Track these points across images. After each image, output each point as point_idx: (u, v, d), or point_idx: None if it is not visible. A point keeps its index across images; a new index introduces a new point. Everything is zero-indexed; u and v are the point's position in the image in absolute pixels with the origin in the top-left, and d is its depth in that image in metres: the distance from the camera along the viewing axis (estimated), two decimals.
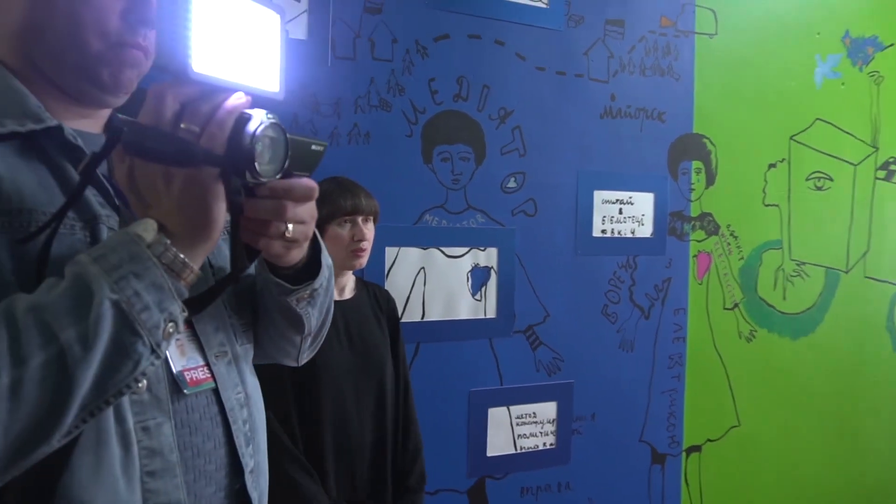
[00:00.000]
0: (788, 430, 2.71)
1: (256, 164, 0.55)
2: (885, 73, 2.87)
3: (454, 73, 1.97)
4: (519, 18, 2.05)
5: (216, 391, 0.72)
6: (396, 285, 1.91)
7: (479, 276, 2.07)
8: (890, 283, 2.97)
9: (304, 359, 0.88)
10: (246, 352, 0.80)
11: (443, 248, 2.00)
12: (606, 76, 2.22)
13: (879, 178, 2.90)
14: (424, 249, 1.97)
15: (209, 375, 0.71)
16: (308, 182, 0.62)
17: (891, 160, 2.92)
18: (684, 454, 2.46)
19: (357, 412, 1.48)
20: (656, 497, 2.41)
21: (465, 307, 2.04)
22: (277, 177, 0.59)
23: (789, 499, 2.74)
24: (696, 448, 2.48)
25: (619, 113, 2.25)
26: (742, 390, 2.57)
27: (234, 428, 0.72)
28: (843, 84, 2.76)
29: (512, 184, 2.08)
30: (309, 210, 0.65)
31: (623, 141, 2.28)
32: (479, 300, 2.07)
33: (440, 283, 2.00)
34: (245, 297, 0.82)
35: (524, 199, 2.11)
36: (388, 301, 1.60)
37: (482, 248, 2.06)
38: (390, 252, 1.92)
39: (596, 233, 2.25)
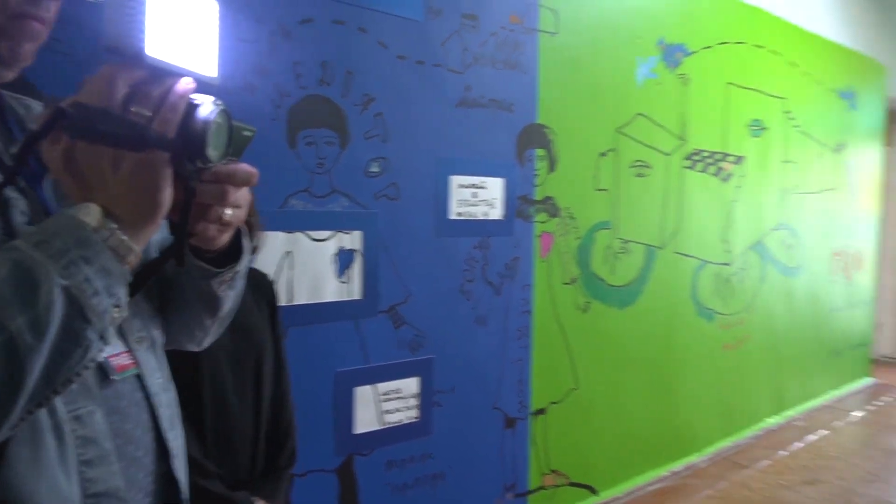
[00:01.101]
0: (617, 388, 3.07)
1: (208, 148, 0.57)
2: (691, 76, 3.31)
3: (319, 58, 1.98)
4: (381, 7, 2.10)
5: (139, 377, 0.71)
6: (262, 270, 1.89)
7: (344, 259, 2.10)
8: (694, 257, 3.44)
9: (207, 343, 0.89)
10: (160, 336, 0.79)
11: (308, 232, 2.01)
12: (462, 67, 2.34)
13: (686, 167, 3.34)
14: (290, 233, 1.97)
15: (133, 361, 0.71)
16: (249, 167, 0.64)
17: (694, 152, 3.37)
18: (532, 417, 2.69)
19: (236, 396, 1.47)
20: (508, 459, 2.62)
21: (331, 290, 2.07)
22: (222, 162, 0.60)
23: (619, 448, 3.11)
24: (542, 411, 2.73)
25: (473, 103, 2.39)
26: (579, 356, 2.86)
27: (158, 412, 0.72)
28: (658, 84, 3.14)
29: (375, 168, 2.14)
30: (245, 194, 0.67)
31: (476, 129, 2.42)
32: (345, 282, 2.10)
33: (306, 267, 2.01)
34: (153, 283, 0.81)
35: (387, 183, 2.17)
36: (267, 284, 1.60)
37: (347, 232, 2.09)
38: None
39: (452, 216, 2.38)
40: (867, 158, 5.09)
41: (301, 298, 2.00)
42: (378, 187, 2.15)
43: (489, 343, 2.53)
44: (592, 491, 2.97)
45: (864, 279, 5.20)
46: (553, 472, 2.79)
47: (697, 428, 3.58)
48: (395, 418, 2.26)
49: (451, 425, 2.42)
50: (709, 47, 3.42)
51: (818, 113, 4.40)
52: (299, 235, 1.99)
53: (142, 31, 0.52)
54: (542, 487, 2.75)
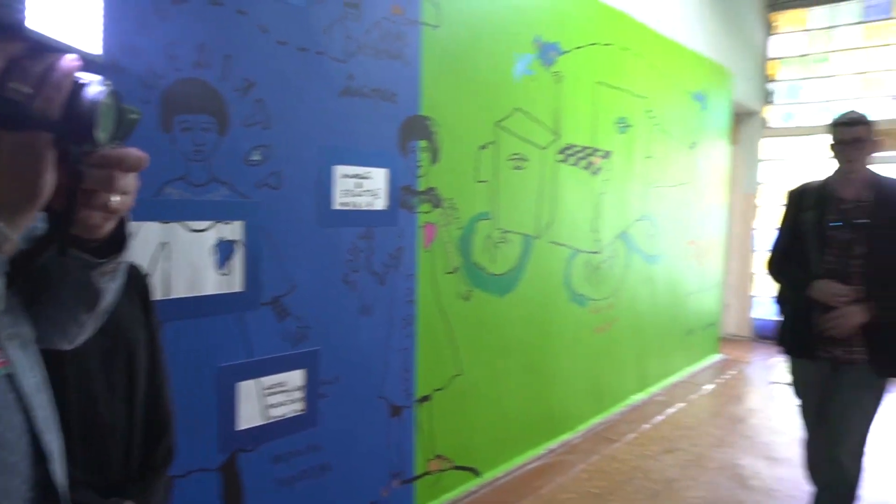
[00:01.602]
0: (498, 373, 3.19)
1: (97, 130, 0.54)
2: (564, 74, 3.48)
3: (195, 40, 1.89)
4: None
5: (11, 376, 0.66)
6: (134, 262, 1.78)
7: (224, 250, 2.03)
8: (567, 246, 3.64)
9: (81, 340, 0.84)
10: (31, 333, 0.74)
11: (186, 222, 1.92)
12: (345, 56, 2.33)
13: (559, 161, 3.51)
14: (166, 224, 1.87)
15: (4, 360, 0.66)
16: (139, 151, 0.62)
17: (567, 146, 3.56)
18: (417, 405, 2.74)
19: (107, 394, 1.38)
20: (394, 446, 2.65)
21: (211, 282, 2.00)
22: (110, 146, 0.58)
23: (500, 430, 3.24)
24: (427, 398, 2.78)
25: (357, 92, 2.38)
26: (462, 343, 2.94)
27: (33, 414, 0.68)
28: (534, 80, 3.28)
29: (256, 156, 2.08)
30: (133, 181, 0.64)
31: (360, 119, 2.41)
32: (226, 274, 2.03)
33: (184, 259, 1.92)
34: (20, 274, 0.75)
35: (268, 172, 2.12)
36: (140, 277, 1.51)
37: (227, 222, 2.02)
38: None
39: (336, 206, 2.36)
40: (716, 155, 5.59)
41: (179, 291, 1.91)
42: (259, 176, 2.10)
43: (374, 333, 2.54)
44: (475, 473, 3.08)
45: (714, 265, 5.73)
46: (438, 457, 2.86)
47: (571, 407, 3.80)
48: (280, 412, 2.22)
49: (337, 416, 2.41)
50: (580, 47, 3.61)
51: (675, 113, 4.78)
52: (176, 226, 1.90)
53: (22, 1, 0.49)
54: (427, 473, 2.81)
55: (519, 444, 3.39)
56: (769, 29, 6.74)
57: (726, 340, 6.33)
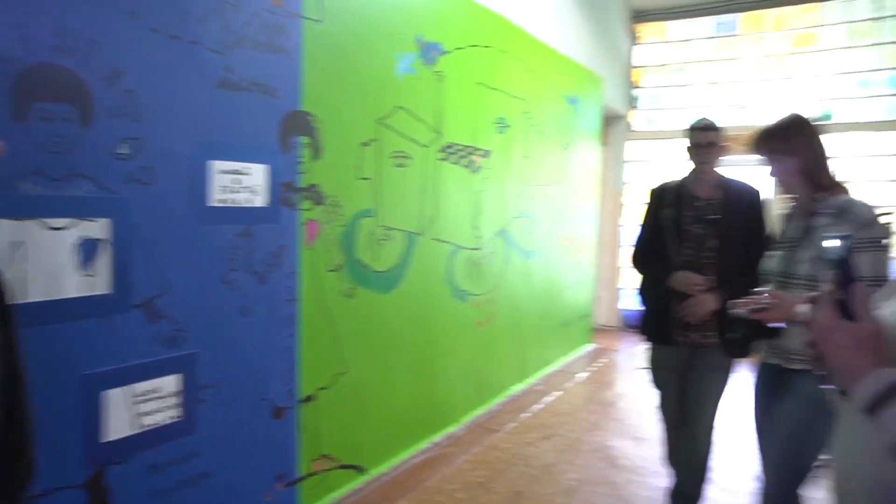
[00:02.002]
0: (383, 369, 3.21)
1: None
2: (445, 74, 3.55)
3: (52, 22, 1.74)
4: None
5: None
6: None
7: (88, 250, 1.90)
8: (449, 243, 3.71)
9: None
10: None
11: (44, 220, 1.77)
12: (222, 47, 2.24)
13: (440, 159, 3.58)
14: (20, 221, 1.72)
15: None
16: None
17: (448, 145, 3.63)
18: (300, 405, 2.70)
19: None
20: (278, 449, 2.59)
21: (74, 284, 1.86)
22: None
23: (386, 426, 3.25)
24: (311, 398, 2.75)
25: (235, 85, 2.30)
26: (347, 340, 2.93)
27: None
28: (416, 79, 3.32)
29: (125, 150, 1.96)
30: None
31: (238, 113, 2.33)
32: (91, 276, 1.90)
33: (42, 260, 1.77)
34: None
35: (138, 166, 2.00)
36: None
37: (92, 219, 1.89)
38: None
39: (213, 202, 2.27)
40: (588, 156, 5.92)
41: (37, 295, 1.76)
42: (128, 171, 1.98)
43: (256, 333, 2.47)
44: (361, 470, 3.07)
45: (586, 259, 6.07)
46: (323, 456, 2.83)
47: (455, 400, 3.89)
48: (154, 420, 2.11)
49: (217, 421, 2.32)
50: (461, 48, 3.70)
51: (550, 115, 5.01)
52: (31, 223, 1.75)
53: None
54: (312, 473, 2.77)
55: (405, 438, 3.42)
56: (634, 39, 7.22)
57: (598, 330, 6.72)
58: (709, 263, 2.52)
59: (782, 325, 1.93)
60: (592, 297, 6.30)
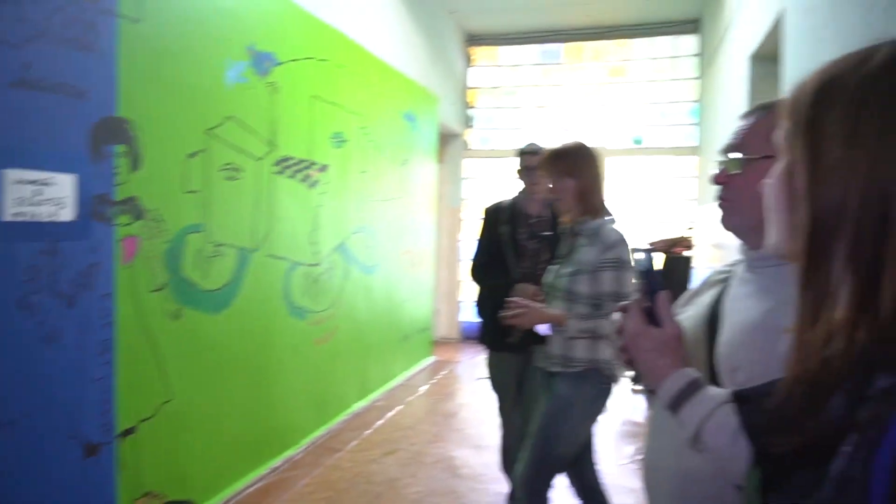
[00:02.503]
0: (216, 394, 3.01)
1: None
2: (280, 85, 3.44)
3: None
4: None
5: None
6: None
7: None
8: (285, 259, 3.59)
9: None
10: None
11: None
12: (19, 41, 1.99)
13: (275, 173, 3.46)
14: None
15: None
16: None
17: (283, 158, 3.52)
18: (119, 439, 2.45)
19: None
20: (91, 491, 2.33)
21: None
22: None
23: (220, 455, 3.05)
24: (131, 430, 2.50)
25: (35, 85, 2.05)
26: (173, 366, 2.71)
27: None
28: (249, 88, 3.18)
29: None
30: None
31: (40, 115, 2.09)
32: None
33: None
34: None
35: None
36: None
37: None
38: None
39: (7, 217, 2.01)
40: (425, 172, 6.04)
41: None
42: None
43: (63, 363, 2.21)
44: None
45: (426, 273, 6.17)
46: (146, 494, 2.59)
47: (294, 422, 3.75)
48: None
49: (16, 465, 2.03)
50: (297, 60, 3.61)
51: (388, 131, 5.05)
52: None
53: None
54: None
55: (241, 466, 3.23)
56: (468, 61, 7.52)
57: (438, 343, 6.85)
58: (543, 275, 2.68)
59: (548, 331, 2.15)
60: (432, 310, 6.42)
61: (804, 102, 0.59)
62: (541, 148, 2.74)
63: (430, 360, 6.29)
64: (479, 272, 2.93)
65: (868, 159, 0.53)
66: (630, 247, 2.11)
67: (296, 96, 3.63)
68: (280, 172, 3.50)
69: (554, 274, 2.26)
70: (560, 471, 2.26)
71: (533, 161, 2.72)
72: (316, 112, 3.87)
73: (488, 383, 2.90)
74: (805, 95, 0.59)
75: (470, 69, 7.55)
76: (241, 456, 3.23)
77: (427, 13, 5.99)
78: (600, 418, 2.26)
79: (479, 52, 7.56)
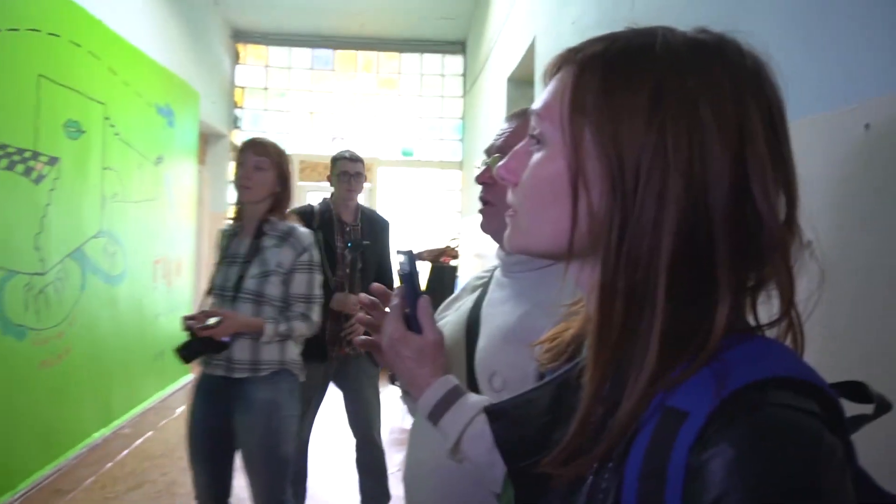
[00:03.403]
0: None
1: None
2: None
3: None
4: None
5: None
6: None
7: None
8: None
9: None
10: None
11: None
12: None
13: None
14: None
15: None
16: None
17: None
18: None
19: None
20: None
21: None
22: None
23: None
24: None
25: None
26: None
27: None
28: None
29: None
30: None
31: None
32: None
33: None
34: None
35: None
36: None
37: None
38: None
39: None
40: (184, 173, 5.54)
41: None
42: None
43: None
44: None
45: (184, 283, 5.65)
46: None
47: (13, 462, 3.13)
48: None
49: None
50: (16, 30, 3.05)
51: (138, 124, 4.53)
52: None
53: None
54: None
55: None
56: (236, 58, 7.10)
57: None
58: (359, 283, 2.70)
59: (227, 338, 2.06)
60: None
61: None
62: (359, 155, 2.77)
63: (190, 377, 5.76)
64: None
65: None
66: (395, 250, 2.09)
67: (14, 73, 3.06)
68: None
69: (231, 275, 2.12)
70: (290, 469, 2.22)
71: (354, 168, 2.71)
72: (43, 95, 3.30)
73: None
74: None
75: (238, 67, 7.14)
76: None
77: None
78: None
79: (248, 51, 7.20)
